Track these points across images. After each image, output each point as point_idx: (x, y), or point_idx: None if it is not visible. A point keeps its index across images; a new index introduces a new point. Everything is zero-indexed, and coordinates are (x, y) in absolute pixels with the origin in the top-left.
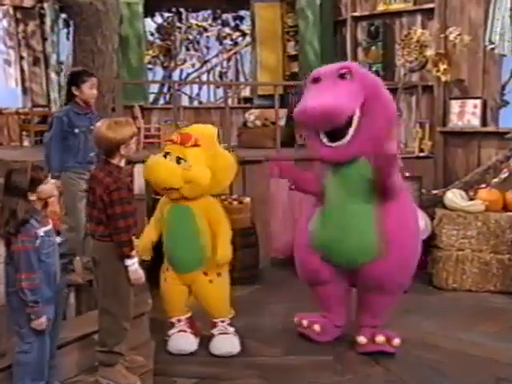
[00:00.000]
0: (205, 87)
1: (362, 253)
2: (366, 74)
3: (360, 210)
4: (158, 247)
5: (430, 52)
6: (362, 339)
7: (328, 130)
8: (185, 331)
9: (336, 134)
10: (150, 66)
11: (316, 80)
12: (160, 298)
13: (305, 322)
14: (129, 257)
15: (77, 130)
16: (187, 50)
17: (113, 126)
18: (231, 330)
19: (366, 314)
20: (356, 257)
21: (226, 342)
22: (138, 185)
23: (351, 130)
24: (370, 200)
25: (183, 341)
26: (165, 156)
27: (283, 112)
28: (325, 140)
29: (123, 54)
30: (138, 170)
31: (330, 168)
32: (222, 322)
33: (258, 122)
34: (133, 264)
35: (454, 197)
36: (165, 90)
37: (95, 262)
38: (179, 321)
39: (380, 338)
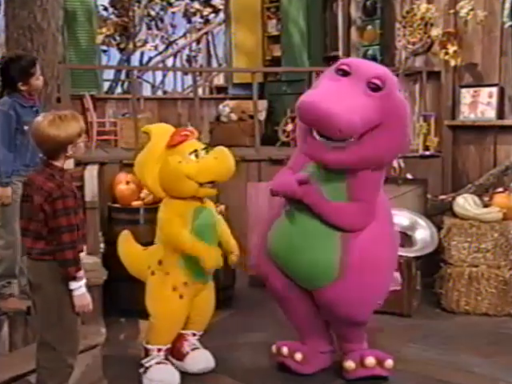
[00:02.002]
0: (170, 74)
1: (319, 271)
2: (398, 96)
3: (323, 224)
4: (112, 261)
5: (436, 31)
6: (349, 364)
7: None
8: (165, 363)
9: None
10: (103, 47)
11: (341, 71)
12: (116, 328)
13: (285, 350)
14: (74, 278)
15: (26, 127)
16: (148, 28)
17: (56, 122)
18: (198, 343)
19: (343, 340)
20: (311, 274)
21: (202, 358)
22: (91, 190)
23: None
24: None
25: (167, 375)
26: (196, 156)
27: (263, 104)
28: (317, 136)
29: (70, 33)
30: (91, 172)
31: (308, 167)
32: (194, 335)
33: (234, 116)
34: (79, 288)
35: (466, 203)
36: (122, 76)
37: (32, 286)
38: (159, 350)
39: (370, 361)
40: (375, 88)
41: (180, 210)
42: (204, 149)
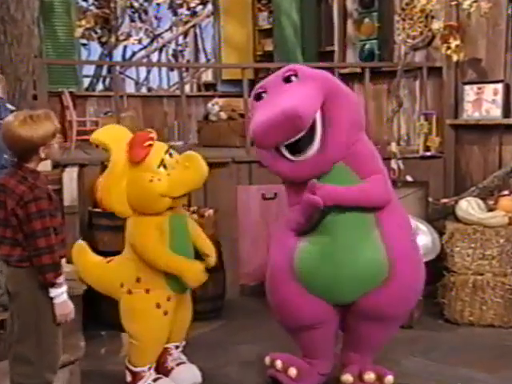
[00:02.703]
0: (155, 70)
1: (372, 277)
2: (317, 71)
3: (358, 223)
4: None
5: (437, 24)
6: (347, 377)
7: (290, 140)
8: (161, 377)
9: (298, 145)
10: (83, 41)
11: (260, 96)
12: (96, 342)
13: (279, 364)
14: (54, 285)
15: None
16: (131, 21)
17: (28, 122)
18: (183, 356)
19: (357, 351)
20: (364, 284)
21: (188, 373)
22: (70, 194)
23: (317, 138)
24: (367, 213)
25: None
26: (164, 166)
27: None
28: (287, 155)
29: (46, 25)
30: (70, 175)
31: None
32: (177, 347)
33: (223, 115)
34: (60, 295)
35: (469, 207)
36: (103, 72)
37: (10, 295)
38: (150, 368)
39: (369, 376)
40: (290, 78)
41: (154, 222)
42: (167, 152)
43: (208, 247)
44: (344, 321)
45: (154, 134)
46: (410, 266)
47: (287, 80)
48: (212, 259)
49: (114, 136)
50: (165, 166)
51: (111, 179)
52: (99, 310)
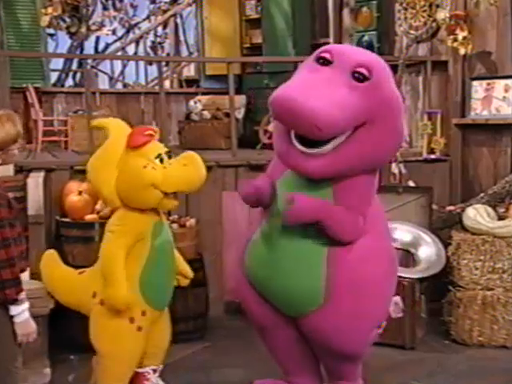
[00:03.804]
0: (131, 64)
1: (302, 295)
2: (387, 86)
3: (311, 235)
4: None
5: (443, 14)
6: None
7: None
8: None
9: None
10: (49, 30)
11: (322, 60)
12: (64, 367)
13: None
14: (15, 302)
15: None
16: (104, 9)
17: None
18: (161, 382)
19: (332, 377)
20: (293, 299)
21: None
22: (35, 202)
23: (336, 140)
24: (319, 234)
25: None
26: (161, 160)
27: (241, 100)
28: (298, 145)
29: (8, 13)
30: (35, 180)
31: (287, 174)
32: (154, 371)
33: (207, 114)
34: (21, 312)
35: (478, 215)
36: (73, 66)
37: None
38: None
39: None
40: (360, 78)
41: (138, 224)
42: (167, 153)
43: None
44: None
45: (156, 130)
46: (357, 296)
47: (357, 77)
48: (186, 280)
49: (116, 124)
50: (162, 161)
51: (102, 158)
52: (67, 331)
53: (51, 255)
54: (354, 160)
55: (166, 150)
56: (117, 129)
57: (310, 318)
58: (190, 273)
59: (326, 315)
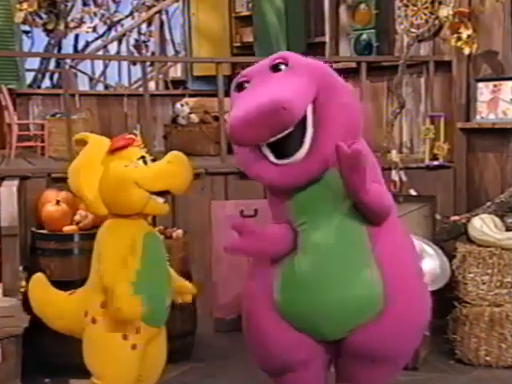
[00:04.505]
0: (113, 64)
1: (362, 311)
2: (311, 61)
3: (346, 242)
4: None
5: (446, 11)
6: None
7: (273, 138)
8: None
9: (284, 146)
10: (25, 27)
11: (242, 85)
12: None
13: None
14: None
15: None
16: (84, 4)
17: None
18: None
19: None
20: (352, 318)
21: None
22: (8, 212)
23: (307, 139)
24: (357, 226)
25: None
26: (144, 162)
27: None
28: (271, 157)
29: None
30: (9, 189)
31: (288, 195)
32: None
33: (195, 117)
34: None
35: (484, 225)
36: (51, 66)
37: None
38: None
39: None
40: (280, 67)
41: (128, 234)
42: (152, 160)
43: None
44: (334, 361)
45: (138, 138)
46: (410, 298)
47: (275, 68)
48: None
49: (96, 137)
50: (145, 162)
51: (83, 162)
52: (43, 352)
53: (39, 279)
54: (327, 152)
55: (150, 157)
56: (96, 139)
57: (366, 330)
58: (190, 286)
59: (385, 324)
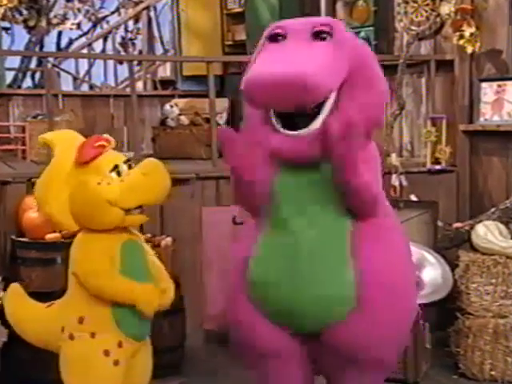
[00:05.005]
0: (99, 62)
1: (333, 304)
2: (353, 37)
3: (328, 235)
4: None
5: (448, 8)
6: None
7: (287, 111)
8: None
9: (295, 118)
10: (4, 24)
11: (276, 37)
12: None
13: None
14: None
15: None
16: (68, 0)
17: None
18: None
19: None
20: (325, 307)
21: None
22: None
23: (322, 115)
24: (342, 220)
25: None
26: (118, 173)
27: (223, 103)
28: (278, 126)
29: None
30: None
31: (281, 169)
32: None
33: (185, 119)
34: None
35: (489, 233)
36: (32, 65)
37: None
38: None
39: None
40: (323, 36)
41: (103, 246)
42: (126, 162)
43: (162, 282)
44: (317, 362)
45: (111, 139)
46: (389, 304)
47: (317, 35)
48: (167, 298)
49: (63, 137)
50: (119, 174)
51: (49, 177)
52: (22, 366)
53: (15, 289)
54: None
55: (124, 158)
56: (64, 142)
57: (340, 327)
58: (170, 291)
59: (362, 319)
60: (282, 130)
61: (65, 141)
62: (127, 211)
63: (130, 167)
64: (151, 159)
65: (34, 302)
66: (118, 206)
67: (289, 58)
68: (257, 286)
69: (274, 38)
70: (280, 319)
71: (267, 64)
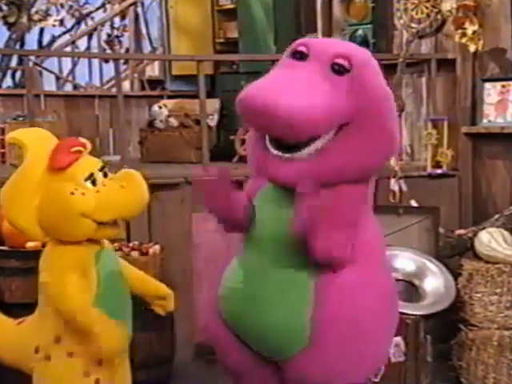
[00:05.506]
0: (83, 61)
1: (287, 334)
2: (373, 81)
3: (296, 263)
4: None
5: (449, 4)
6: None
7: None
8: None
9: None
10: None
11: (298, 54)
12: None
13: None
14: None
15: None
16: None
17: None
18: None
19: None
20: (276, 339)
21: None
22: None
23: (317, 142)
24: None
25: None
26: (93, 182)
27: (214, 104)
28: (270, 147)
29: None
30: None
31: (264, 188)
32: None
33: (174, 121)
34: None
35: (493, 240)
36: (12, 64)
37: None
38: None
39: None
40: (340, 70)
41: (75, 258)
42: (101, 169)
43: (161, 288)
44: None
45: (87, 143)
46: (347, 336)
47: (336, 68)
48: (171, 302)
49: (35, 137)
50: (94, 183)
51: (18, 184)
52: None
53: None
54: (337, 166)
55: (99, 165)
56: (36, 144)
57: (295, 362)
58: (163, 290)
59: (313, 358)
60: (273, 150)
61: (36, 141)
62: (101, 223)
63: (105, 175)
64: (130, 170)
65: (3, 318)
66: (91, 219)
67: (290, 86)
68: (223, 304)
69: (296, 55)
70: (245, 340)
71: (266, 84)
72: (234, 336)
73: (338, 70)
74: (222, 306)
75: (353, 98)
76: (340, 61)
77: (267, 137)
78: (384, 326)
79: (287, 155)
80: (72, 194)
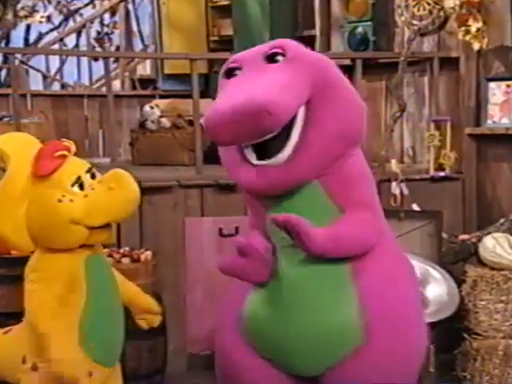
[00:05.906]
0: (72, 59)
1: (339, 346)
2: (312, 54)
3: (326, 272)
4: None
5: (453, 1)
6: None
7: (254, 141)
8: None
9: (268, 146)
10: None
11: (232, 72)
12: None
13: None
14: None
15: None
16: None
17: None
18: None
19: None
20: (328, 354)
21: None
22: None
23: (292, 140)
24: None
25: None
26: (81, 186)
27: (208, 104)
28: (252, 158)
29: None
30: None
31: (267, 204)
32: None
33: (166, 122)
34: None
35: (498, 245)
36: None
37: None
38: None
39: None
40: (276, 58)
41: (64, 267)
42: (88, 172)
43: (153, 304)
44: None
45: (71, 145)
46: (396, 332)
47: (271, 59)
48: (157, 318)
49: (17, 143)
50: (81, 187)
51: (4, 195)
52: None
53: None
54: (313, 162)
55: (86, 167)
56: (18, 151)
57: (344, 367)
58: (155, 306)
59: (367, 356)
60: (255, 161)
61: (18, 148)
62: (92, 228)
63: (93, 176)
64: (118, 170)
65: None
66: (81, 225)
67: (243, 88)
68: (251, 330)
69: (231, 74)
70: (277, 365)
71: (222, 101)
72: (257, 358)
73: (275, 58)
74: (248, 328)
75: (302, 74)
76: (272, 51)
77: (245, 149)
78: (422, 318)
79: (263, 162)
80: (59, 201)
